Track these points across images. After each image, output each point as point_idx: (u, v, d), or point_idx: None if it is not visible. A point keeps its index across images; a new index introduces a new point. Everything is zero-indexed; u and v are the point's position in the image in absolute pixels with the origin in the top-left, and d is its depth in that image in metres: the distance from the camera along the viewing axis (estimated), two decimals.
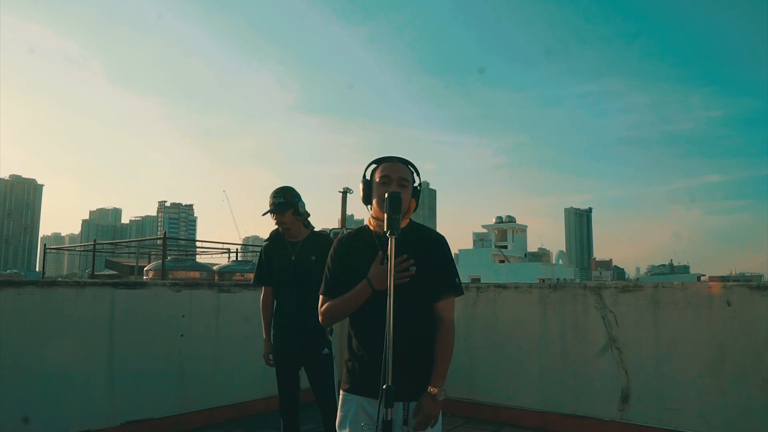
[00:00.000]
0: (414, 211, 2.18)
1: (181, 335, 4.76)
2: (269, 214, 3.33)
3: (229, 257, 14.78)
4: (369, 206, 2.13)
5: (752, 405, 3.88)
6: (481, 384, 5.15)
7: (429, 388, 1.98)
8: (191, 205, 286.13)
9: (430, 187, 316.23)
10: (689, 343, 4.17)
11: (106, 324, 4.30)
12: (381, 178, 2.09)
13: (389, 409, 1.81)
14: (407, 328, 2.02)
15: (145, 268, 12.83)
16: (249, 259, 15.01)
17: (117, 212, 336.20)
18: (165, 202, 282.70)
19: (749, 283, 4.05)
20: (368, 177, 2.15)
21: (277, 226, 3.38)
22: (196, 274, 12.05)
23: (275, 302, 3.40)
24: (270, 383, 5.22)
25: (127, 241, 18.24)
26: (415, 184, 2.16)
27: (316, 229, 3.63)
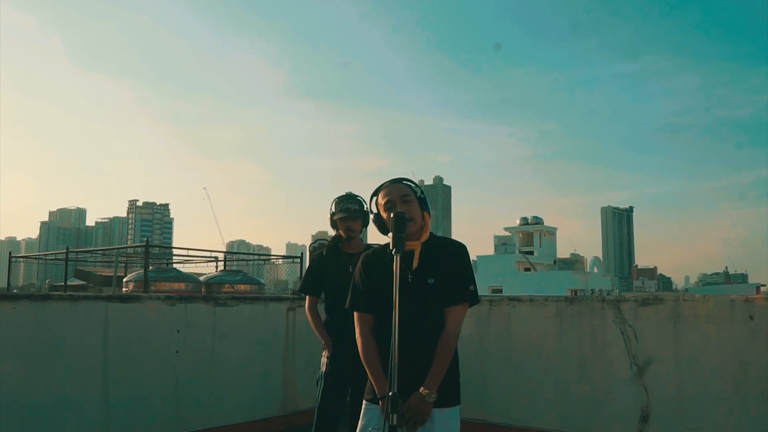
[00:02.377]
0: (429, 221, 2.64)
1: (176, 351, 5.26)
2: (340, 219, 3.72)
3: (216, 266, 15.31)
4: (388, 234, 2.60)
5: None
6: (494, 403, 5.60)
7: (421, 388, 2.45)
8: (167, 205, 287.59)
9: (444, 182, 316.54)
10: (711, 359, 4.62)
11: (99, 339, 4.80)
12: (385, 204, 2.57)
13: (395, 415, 2.30)
14: (427, 338, 2.49)
15: (124, 279, 13.38)
16: (238, 269, 15.50)
17: (81, 213, 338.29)
18: (136, 201, 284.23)
19: None
20: (375, 209, 2.63)
21: (342, 233, 3.77)
22: (182, 286, 12.58)
23: (327, 316, 3.80)
24: (267, 404, 5.78)
25: (105, 249, 18.84)
26: (419, 195, 2.62)
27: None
